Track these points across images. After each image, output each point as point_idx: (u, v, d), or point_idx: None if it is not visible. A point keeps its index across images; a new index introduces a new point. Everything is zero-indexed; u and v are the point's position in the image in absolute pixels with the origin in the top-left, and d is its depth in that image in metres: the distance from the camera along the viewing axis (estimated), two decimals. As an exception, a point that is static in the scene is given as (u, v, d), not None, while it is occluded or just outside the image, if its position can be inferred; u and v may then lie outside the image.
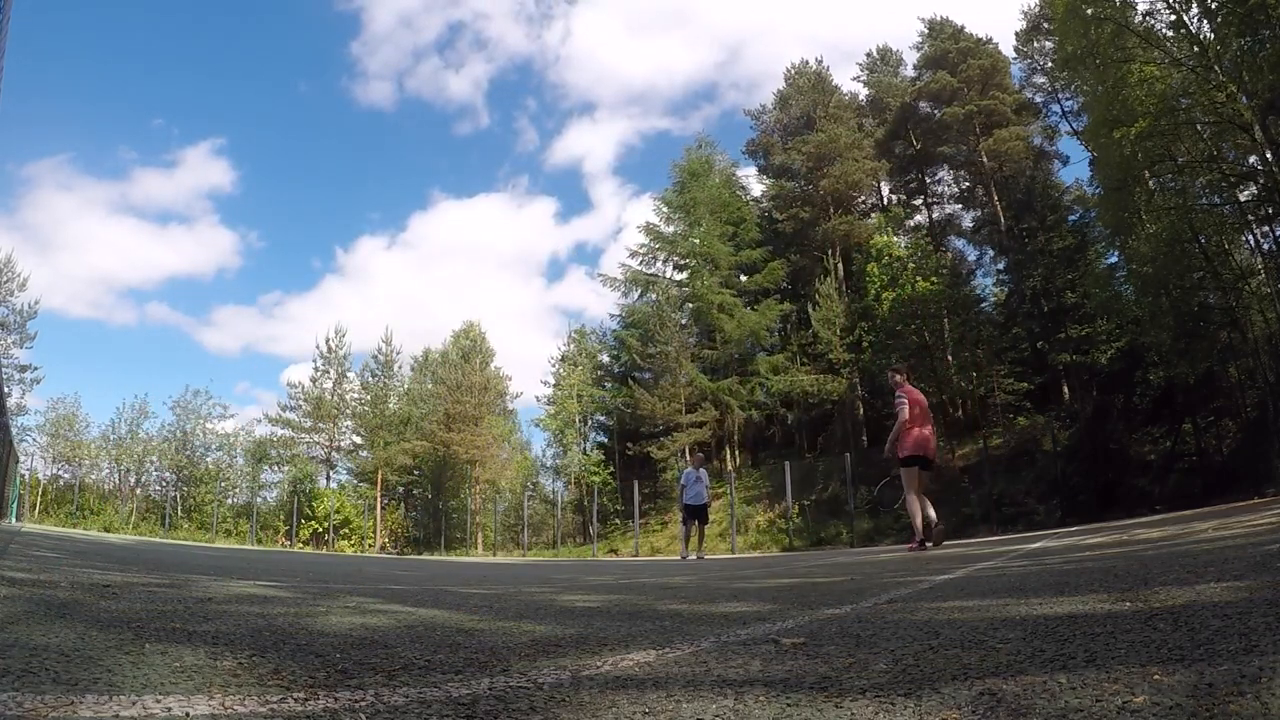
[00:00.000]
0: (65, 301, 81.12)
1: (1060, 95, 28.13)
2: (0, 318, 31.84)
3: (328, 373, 37.54)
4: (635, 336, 32.11)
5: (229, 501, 36.79)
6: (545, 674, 1.36)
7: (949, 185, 34.40)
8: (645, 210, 75.33)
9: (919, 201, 34.70)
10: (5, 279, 32.01)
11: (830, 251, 30.50)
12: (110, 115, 78.88)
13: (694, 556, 11.11)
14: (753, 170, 36.75)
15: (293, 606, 2.60)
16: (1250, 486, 13.97)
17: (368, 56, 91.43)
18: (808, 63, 35.38)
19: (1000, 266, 29.51)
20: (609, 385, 34.52)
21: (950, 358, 23.89)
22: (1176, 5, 14.86)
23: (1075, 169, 47.03)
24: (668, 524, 25.64)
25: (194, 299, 79.97)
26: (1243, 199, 16.05)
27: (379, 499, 35.06)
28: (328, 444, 37.24)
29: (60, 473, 36.49)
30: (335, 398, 37.37)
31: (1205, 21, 14.71)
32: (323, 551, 27.43)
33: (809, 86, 34.23)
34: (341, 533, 32.40)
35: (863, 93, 35.15)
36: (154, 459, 37.81)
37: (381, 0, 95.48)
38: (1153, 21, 15.50)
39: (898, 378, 7.53)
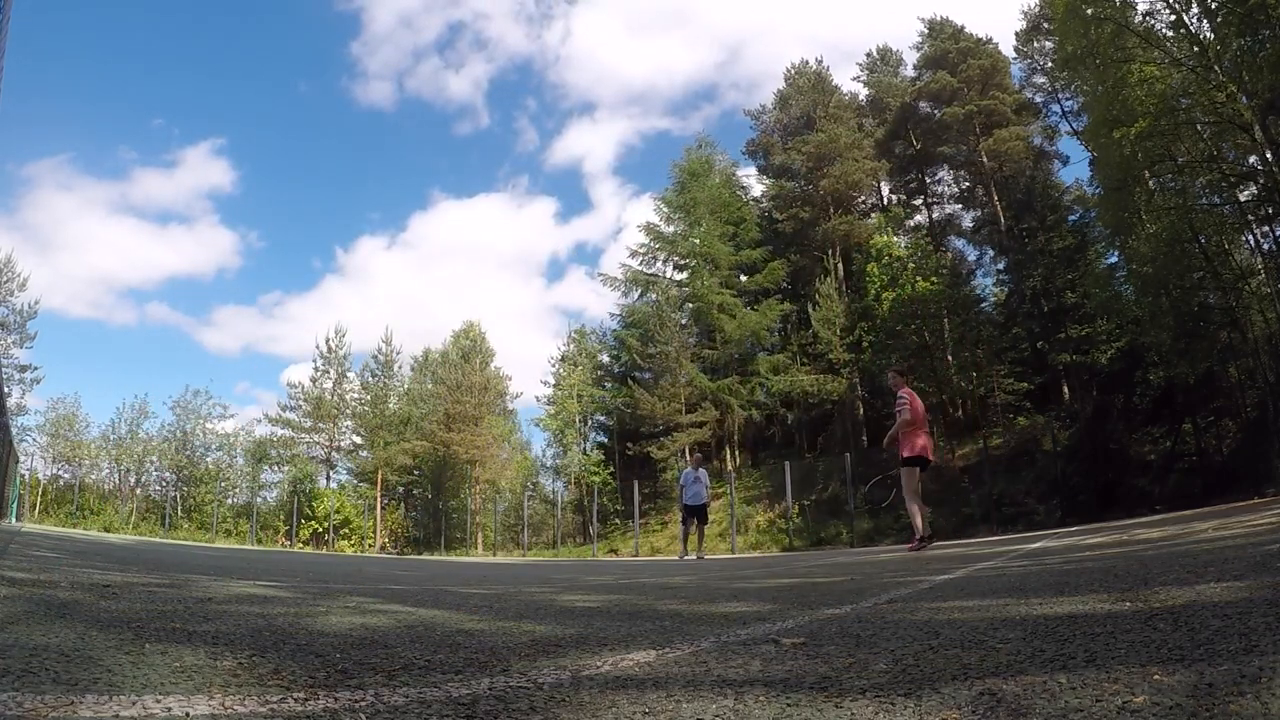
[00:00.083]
0: (65, 301, 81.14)
1: (1060, 95, 28.14)
2: (0, 318, 31.85)
3: (328, 373, 37.57)
4: (635, 336, 32.09)
5: (229, 501, 36.77)
6: (545, 674, 1.36)
7: (949, 185, 34.44)
8: (645, 210, 75.52)
9: (919, 201, 34.69)
10: (5, 279, 32.00)
11: (830, 251, 30.49)
12: (110, 115, 78.93)
13: (694, 556, 11.10)
14: (753, 170, 36.78)
15: (293, 606, 2.60)
16: (1250, 486, 13.97)
17: (368, 56, 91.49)
18: (808, 63, 35.40)
19: (1000, 266, 29.54)
20: (609, 385, 34.49)
21: (950, 358, 23.88)
22: (1176, 5, 14.86)
23: (1075, 169, 47.09)
24: (668, 524, 25.62)
25: (194, 299, 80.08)
26: (1243, 199, 16.05)
27: (379, 499, 35.05)
28: (328, 444, 37.23)
29: (60, 473, 36.52)
30: (335, 398, 37.36)
31: (1205, 21, 14.72)
32: (323, 551, 27.41)
33: (809, 86, 34.20)
34: (341, 533, 32.39)
35: (863, 93, 35.20)
36: (154, 459, 37.81)
37: (381, 0, 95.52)
38: (1153, 21, 15.51)
39: (898, 379, 7.56)
